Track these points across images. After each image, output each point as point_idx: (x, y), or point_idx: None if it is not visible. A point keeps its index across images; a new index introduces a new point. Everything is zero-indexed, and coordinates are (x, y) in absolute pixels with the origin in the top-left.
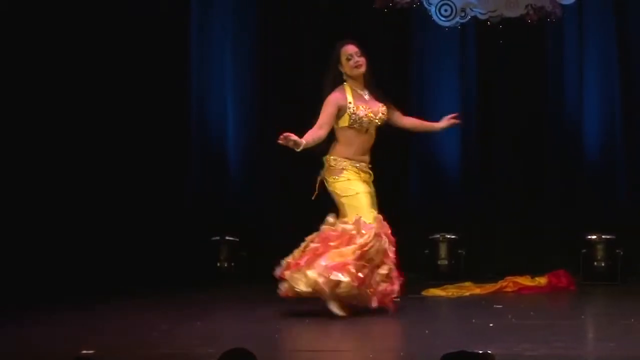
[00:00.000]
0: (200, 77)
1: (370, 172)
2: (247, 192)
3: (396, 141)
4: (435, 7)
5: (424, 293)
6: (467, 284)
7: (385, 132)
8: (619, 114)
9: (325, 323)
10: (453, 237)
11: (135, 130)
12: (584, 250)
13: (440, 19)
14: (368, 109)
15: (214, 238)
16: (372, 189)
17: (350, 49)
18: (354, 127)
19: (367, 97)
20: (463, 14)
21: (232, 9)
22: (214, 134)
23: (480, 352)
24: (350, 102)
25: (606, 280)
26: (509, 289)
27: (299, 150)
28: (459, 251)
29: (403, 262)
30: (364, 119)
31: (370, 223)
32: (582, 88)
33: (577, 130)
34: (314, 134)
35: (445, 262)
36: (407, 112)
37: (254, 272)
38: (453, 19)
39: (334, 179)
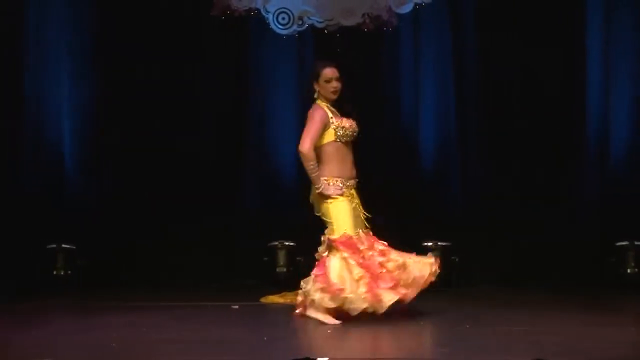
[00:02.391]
0: (36, 77)
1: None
2: (84, 199)
3: (233, 147)
4: (273, 15)
5: (262, 300)
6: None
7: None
8: (453, 122)
9: (166, 333)
10: (291, 244)
11: None
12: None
13: (278, 27)
14: (347, 121)
15: (50, 246)
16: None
17: (331, 72)
18: (341, 141)
19: (337, 112)
20: (300, 22)
21: (67, 15)
22: (50, 140)
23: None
24: (331, 117)
25: (442, 286)
26: None
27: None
28: (298, 258)
29: (242, 270)
30: (348, 130)
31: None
32: (419, 96)
33: (413, 138)
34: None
35: (284, 269)
36: (246, 120)
37: (90, 280)
38: (290, 27)
39: (329, 202)
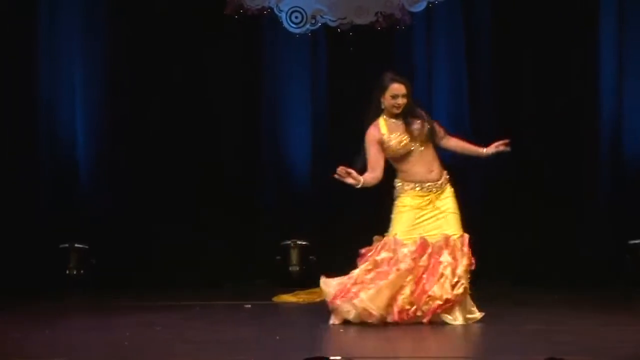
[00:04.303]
0: (49, 82)
1: (440, 189)
2: (97, 199)
3: (246, 146)
4: (286, 14)
5: (275, 299)
6: (317, 289)
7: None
8: (467, 123)
9: (179, 332)
10: (304, 243)
11: None
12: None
13: (291, 26)
14: (400, 135)
15: (62, 245)
16: (437, 208)
17: (398, 89)
18: (395, 157)
19: (401, 124)
20: (313, 21)
21: (80, 12)
22: (64, 140)
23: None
24: (384, 134)
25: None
26: None
27: (358, 187)
28: (310, 257)
29: (255, 269)
30: (398, 148)
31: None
32: (431, 96)
33: None
34: (371, 175)
35: (297, 268)
36: (259, 120)
37: (104, 280)
38: (303, 26)
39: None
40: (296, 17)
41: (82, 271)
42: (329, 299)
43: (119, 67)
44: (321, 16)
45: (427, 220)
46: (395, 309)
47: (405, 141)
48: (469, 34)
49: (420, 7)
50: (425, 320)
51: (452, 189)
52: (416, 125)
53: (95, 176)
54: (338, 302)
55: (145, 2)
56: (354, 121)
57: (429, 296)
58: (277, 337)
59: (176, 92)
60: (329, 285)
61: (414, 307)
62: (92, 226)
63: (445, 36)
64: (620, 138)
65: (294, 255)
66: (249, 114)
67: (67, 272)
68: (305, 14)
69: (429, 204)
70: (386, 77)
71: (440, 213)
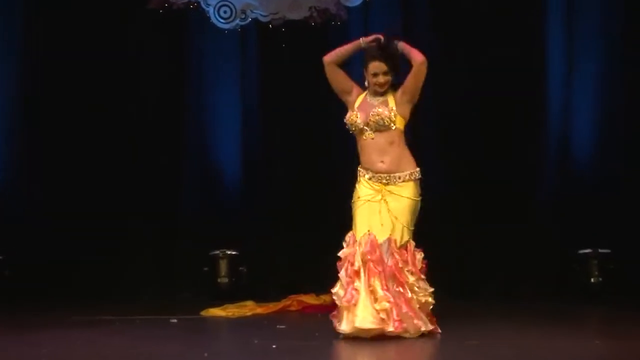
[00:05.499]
0: None
1: (392, 183)
2: (13, 207)
3: (169, 149)
4: (214, 9)
5: (203, 313)
6: (248, 303)
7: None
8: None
9: (98, 350)
10: (234, 253)
11: None
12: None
13: (219, 21)
14: (365, 113)
15: None
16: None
17: (378, 67)
18: (355, 135)
19: (377, 102)
20: (243, 16)
21: None
22: None
23: None
24: (356, 105)
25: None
26: (293, 308)
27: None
28: (240, 268)
29: (181, 281)
30: (348, 121)
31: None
32: None
33: None
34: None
35: (226, 279)
36: (184, 121)
37: (18, 293)
38: (233, 21)
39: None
40: (225, 12)
41: None
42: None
43: (36, 66)
44: (252, 11)
45: (377, 215)
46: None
47: (354, 118)
48: (407, 30)
49: (356, 1)
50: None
51: (415, 190)
52: (375, 109)
53: (10, 185)
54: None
55: None
56: (286, 122)
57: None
58: (206, 354)
59: (96, 91)
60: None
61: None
62: (7, 236)
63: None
64: (568, 148)
65: (223, 266)
66: (173, 115)
67: None
68: (235, 8)
69: (380, 198)
70: (367, 53)
71: (389, 212)
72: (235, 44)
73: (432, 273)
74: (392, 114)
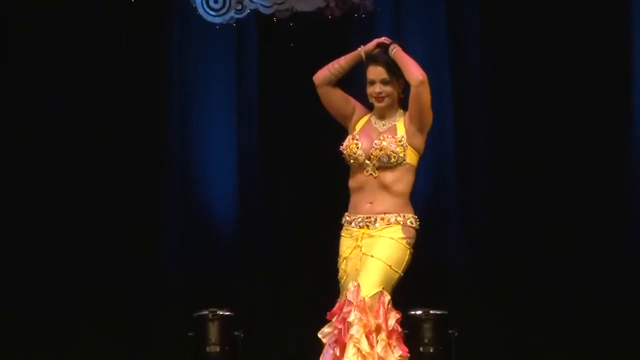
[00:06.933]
0: None
1: (372, 224)
2: None
3: (147, 178)
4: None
5: None
6: None
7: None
8: (450, 118)
9: None
10: (227, 313)
11: None
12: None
13: (209, 14)
14: (369, 141)
15: None
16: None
17: (375, 72)
18: (353, 164)
19: (383, 127)
20: (240, 7)
21: None
22: None
23: None
24: (355, 132)
25: None
26: None
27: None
28: (236, 333)
29: (159, 348)
30: (345, 149)
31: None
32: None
33: None
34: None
35: (217, 348)
36: (167, 129)
37: None
38: (226, 13)
39: None
40: (216, 2)
41: None
42: None
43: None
44: (251, 1)
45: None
46: None
47: (353, 148)
48: (451, 21)
49: None
50: None
51: (402, 234)
52: (379, 141)
53: None
54: None
55: None
56: (293, 149)
57: None
58: None
59: (70, 93)
60: None
61: None
62: None
63: (419, 27)
64: None
65: (213, 331)
66: (153, 131)
67: None
68: None
69: (355, 248)
70: (367, 56)
71: (362, 253)
72: (229, 43)
73: None
74: (401, 147)
